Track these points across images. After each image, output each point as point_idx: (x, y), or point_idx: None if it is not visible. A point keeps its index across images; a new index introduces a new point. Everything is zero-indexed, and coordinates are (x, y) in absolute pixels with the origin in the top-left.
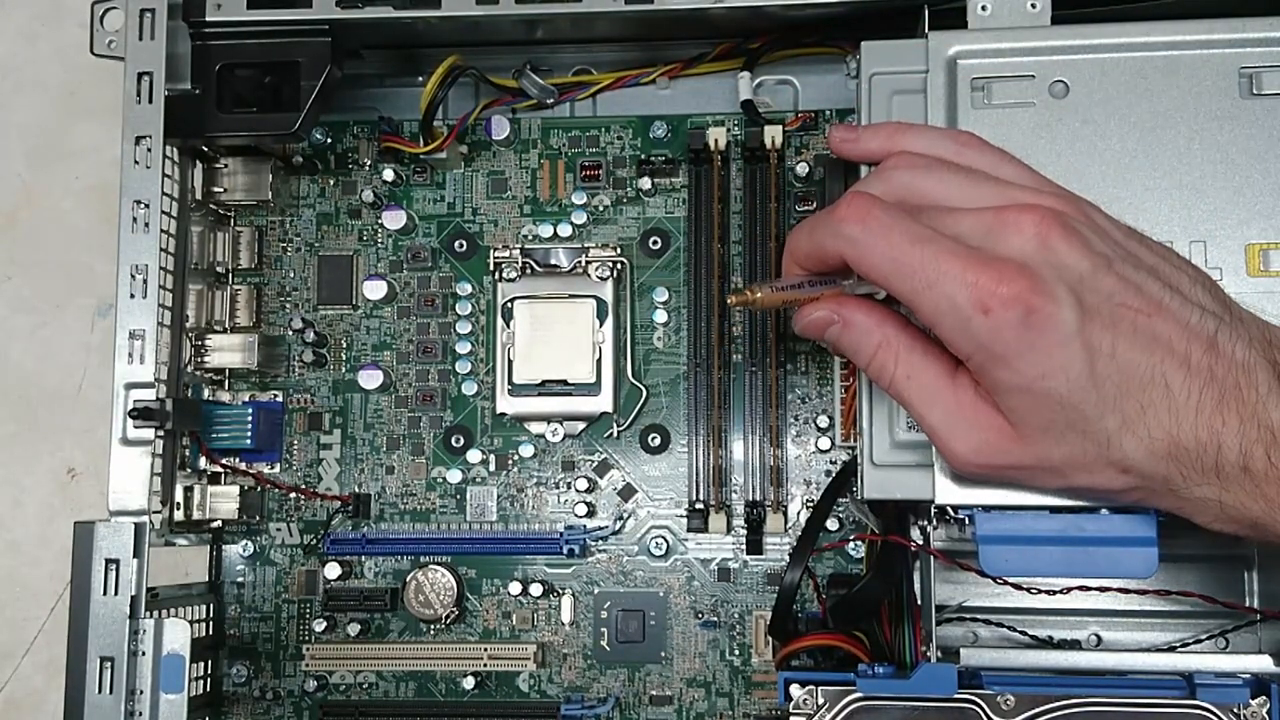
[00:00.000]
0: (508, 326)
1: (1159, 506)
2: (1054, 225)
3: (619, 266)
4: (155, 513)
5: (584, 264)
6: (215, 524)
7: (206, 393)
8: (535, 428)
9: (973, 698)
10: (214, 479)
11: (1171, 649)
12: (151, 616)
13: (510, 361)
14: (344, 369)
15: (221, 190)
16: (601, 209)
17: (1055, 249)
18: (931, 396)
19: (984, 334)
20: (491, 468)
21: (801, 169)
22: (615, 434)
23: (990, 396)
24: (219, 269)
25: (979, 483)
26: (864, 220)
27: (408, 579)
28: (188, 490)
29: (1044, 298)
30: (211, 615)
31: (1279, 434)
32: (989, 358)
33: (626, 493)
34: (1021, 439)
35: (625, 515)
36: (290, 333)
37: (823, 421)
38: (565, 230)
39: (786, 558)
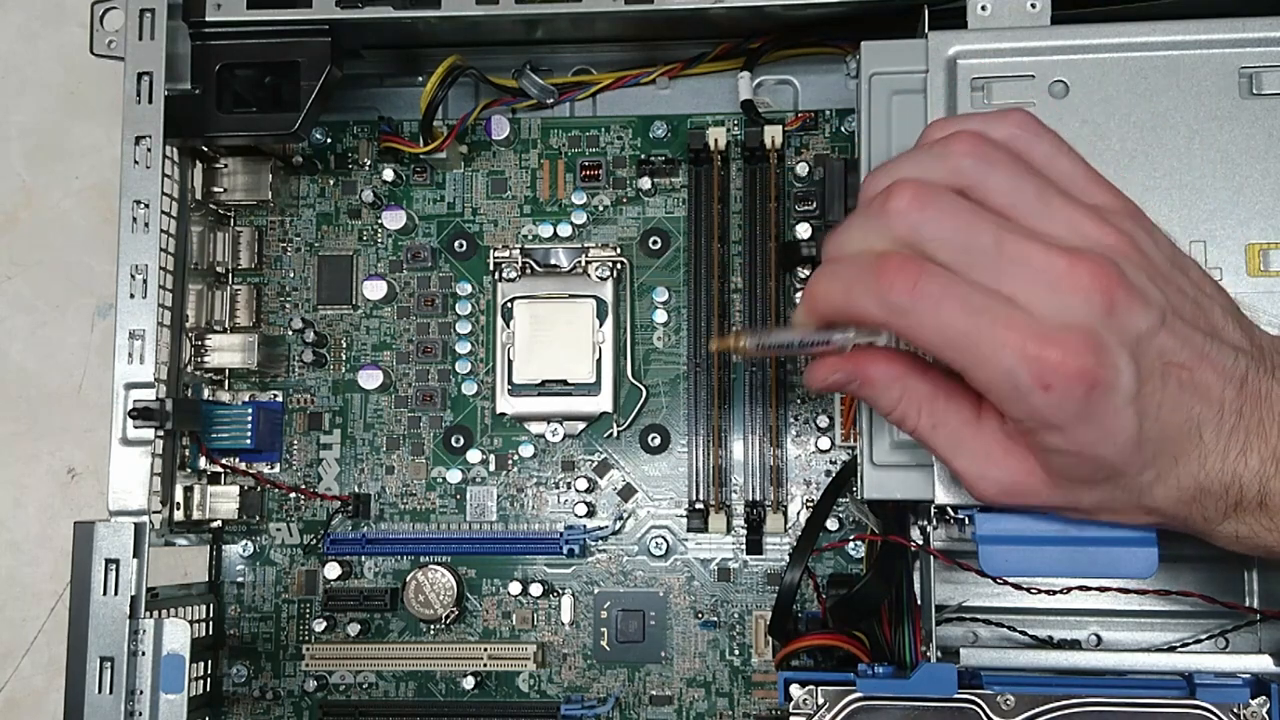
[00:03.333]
0: (508, 326)
1: (1176, 530)
2: (1118, 285)
3: (619, 266)
4: (155, 513)
5: (584, 264)
6: (215, 524)
7: (206, 393)
8: (535, 428)
9: (973, 698)
10: (214, 479)
11: (1171, 649)
12: (151, 616)
13: (510, 361)
14: (344, 369)
15: (221, 190)
16: (601, 209)
17: (1118, 311)
18: (957, 442)
19: (1043, 408)
20: (491, 468)
21: (801, 169)
22: (615, 434)
23: (1020, 439)
24: (219, 269)
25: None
26: (913, 290)
27: (408, 579)
28: (188, 490)
29: (1107, 370)
30: (211, 615)
31: None
32: (1043, 426)
33: (626, 493)
34: (1054, 485)
35: (625, 515)
36: (290, 333)
37: (823, 421)
38: (565, 230)
39: (786, 558)
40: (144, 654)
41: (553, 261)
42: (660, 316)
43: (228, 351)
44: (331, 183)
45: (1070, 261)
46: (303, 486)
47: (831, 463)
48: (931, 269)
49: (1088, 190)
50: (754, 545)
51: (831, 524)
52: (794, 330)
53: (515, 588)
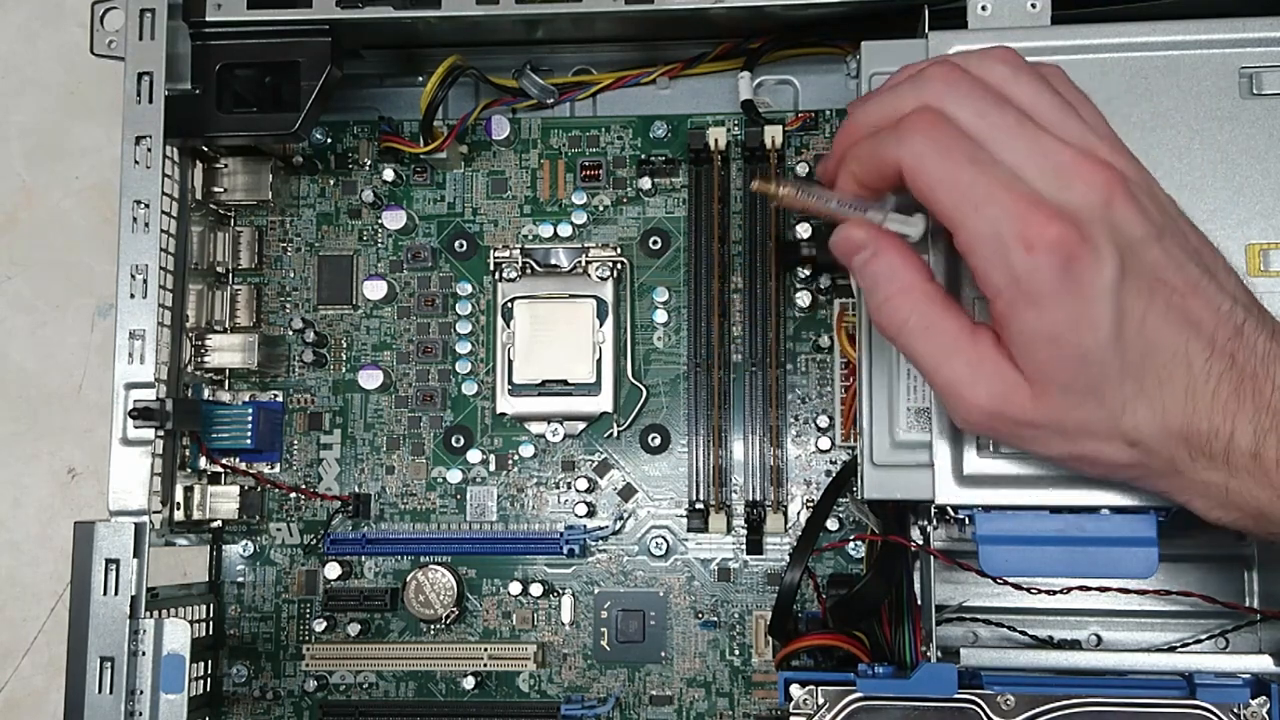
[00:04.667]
0: (508, 326)
1: (1157, 488)
2: (1120, 187)
3: (619, 266)
4: (155, 513)
5: (584, 264)
6: (215, 524)
7: (206, 393)
8: (535, 428)
9: (973, 698)
10: (214, 479)
11: (1171, 649)
12: (151, 616)
13: (510, 361)
14: (344, 369)
15: (221, 190)
16: (601, 209)
17: (1115, 210)
18: (950, 349)
19: (1021, 269)
20: (491, 468)
21: (802, 169)
22: (615, 434)
23: (1010, 354)
24: (219, 269)
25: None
26: (929, 133)
27: (408, 579)
28: (188, 490)
29: (1090, 250)
30: (211, 615)
31: None
32: (1020, 296)
33: (626, 493)
34: (1038, 396)
35: (625, 515)
36: (290, 333)
37: (823, 421)
38: (565, 230)
39: (786, 558)
40: (144, 654)
41: (553, 261)
42: (660, 316)
43: (228, 351)
44: (331, 183)
45: (1077, 156)
46: (303, 486)
47: (831, 463)
48: (951, 123)
49: (1110, 137)
50: (754, 545)
51: (831, 524)
52: (833, 193)
53: (515, 588)
